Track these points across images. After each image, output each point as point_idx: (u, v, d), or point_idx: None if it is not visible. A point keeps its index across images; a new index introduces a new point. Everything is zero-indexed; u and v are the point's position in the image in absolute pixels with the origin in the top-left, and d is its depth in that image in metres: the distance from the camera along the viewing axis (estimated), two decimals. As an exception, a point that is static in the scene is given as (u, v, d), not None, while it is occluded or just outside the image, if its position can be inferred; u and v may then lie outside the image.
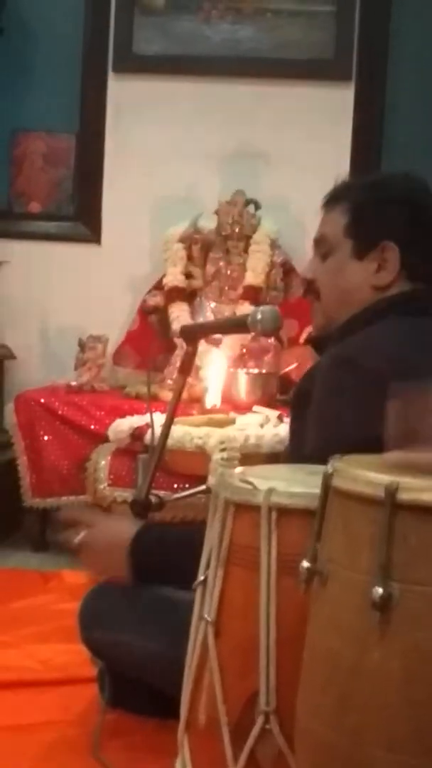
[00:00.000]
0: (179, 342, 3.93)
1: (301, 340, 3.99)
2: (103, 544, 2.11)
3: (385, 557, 1.24)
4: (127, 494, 3.48)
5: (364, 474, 1.29)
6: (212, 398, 3.73)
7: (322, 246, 2.14)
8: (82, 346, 4.14)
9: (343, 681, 1.27)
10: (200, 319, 4.05)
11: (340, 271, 2.10)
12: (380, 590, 1.23)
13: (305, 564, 1.35)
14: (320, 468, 1.55)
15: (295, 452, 2.00)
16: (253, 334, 2.43)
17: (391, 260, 2.06)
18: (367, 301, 2.06)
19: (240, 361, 4.00)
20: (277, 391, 3.92)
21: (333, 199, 2.14)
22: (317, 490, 1.44)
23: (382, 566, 1.24)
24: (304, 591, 1.35)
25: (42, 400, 3.88)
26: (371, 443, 1.41)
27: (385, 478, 1.25)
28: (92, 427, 3.79)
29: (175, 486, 3.32)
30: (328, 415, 1.90)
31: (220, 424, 3.46)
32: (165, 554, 2.04)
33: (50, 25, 4.48)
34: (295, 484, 1.57)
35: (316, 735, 1.31)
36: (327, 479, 1.35)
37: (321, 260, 2.15)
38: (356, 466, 1.33)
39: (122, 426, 3.56)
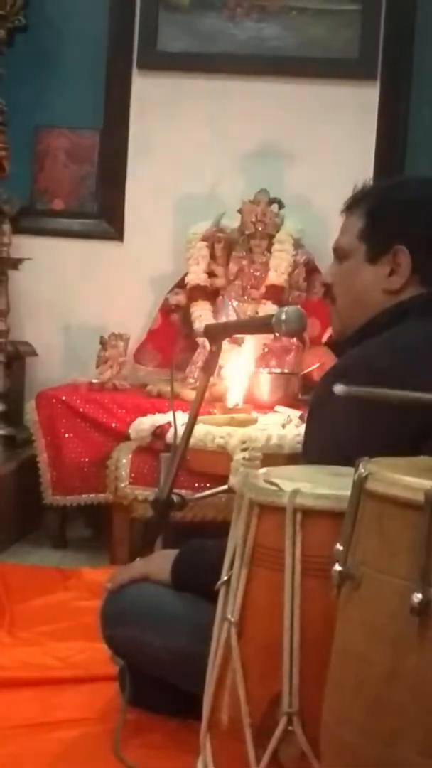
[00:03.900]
0: (202, 341, 3.92)
1: (323, 340, 3.97)
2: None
3: (424, 562, 1.22)
4: (148, 493, 3.48)
5: (401, 478, 1.28)
6: (234, 397, 3.72)
7: (340, 251, 2.15)
8: (103, 344, 4.13)
9: (376, 686, 1.25)
10: (222, 319, 4.03)
11: (353, 276, 2.12)
12: (419, 596, 1.22)
13: (337, 567, 1.34)
14: (345, 470, 1.55)
15: (305, 455, 2.05)
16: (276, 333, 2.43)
17: (403, 264, 2.06)
18: (380, 305, 2.07)
19: (262, 360, 3.99)
20: (298, 391, 3.90)
21: (352, 205, 2.15)
22: (343, 492, 1.44)
23: (422, 571, 1.22)
24: (336, 595, 1.34)
25: (63, 398, 3.88)
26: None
27: (425, 483, 1.24)
28: (113, 425, 3.79)
29: (197, 485, 3.32)
30: (313, 426, 2.01)
31: (242, 423, 3.46)
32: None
33: (74, 22, 4.47)
34: (320, 485, 1.56)
35: (345, 739, 1.29)
36: (360, 482, 1.33)
37: (339, 265, 2.16)
38: (390, 469, 1.32)
39: (144, 424, 3.56)
